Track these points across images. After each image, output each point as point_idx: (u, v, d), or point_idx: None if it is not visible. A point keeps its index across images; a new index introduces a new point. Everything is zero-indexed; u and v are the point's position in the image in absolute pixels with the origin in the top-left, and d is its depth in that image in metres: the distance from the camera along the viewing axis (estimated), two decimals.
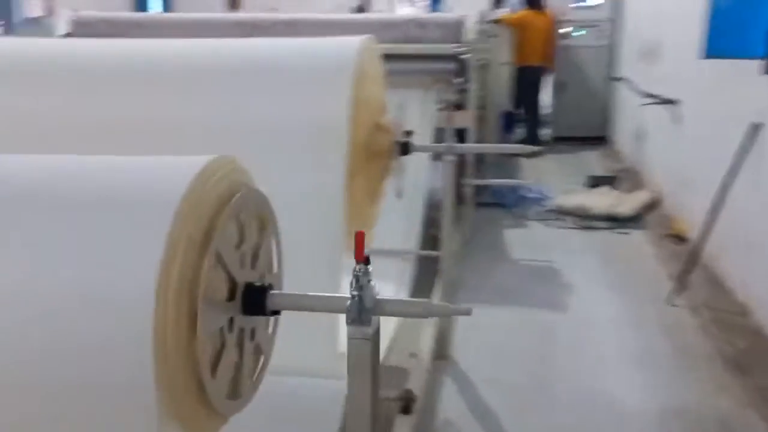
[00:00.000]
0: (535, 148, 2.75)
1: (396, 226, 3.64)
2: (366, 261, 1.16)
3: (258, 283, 1.23)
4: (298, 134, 2.13)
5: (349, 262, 2.57)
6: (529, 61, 6.50)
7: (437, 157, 4.17)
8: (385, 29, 3.77)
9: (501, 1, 7.59)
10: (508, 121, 7.53)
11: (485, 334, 3.03)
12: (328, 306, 1.21)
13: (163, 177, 1.13)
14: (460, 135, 4.09)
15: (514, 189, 5.11)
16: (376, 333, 1.21)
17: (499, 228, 4.53)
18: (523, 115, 6.87)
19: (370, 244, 2.71)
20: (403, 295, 3.34)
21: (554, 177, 5.94)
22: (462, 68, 3.71)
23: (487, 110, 4.85)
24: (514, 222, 4.67)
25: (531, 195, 5.15)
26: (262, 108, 2.14)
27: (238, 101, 2.16)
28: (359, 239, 1.12)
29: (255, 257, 1.28)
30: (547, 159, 6.68)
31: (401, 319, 3.20)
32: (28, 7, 15.96)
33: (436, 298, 3.32)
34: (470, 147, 2.58)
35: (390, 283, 3.42)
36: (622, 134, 6.69)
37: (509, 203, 4.94)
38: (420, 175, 3.77)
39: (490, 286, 3.55)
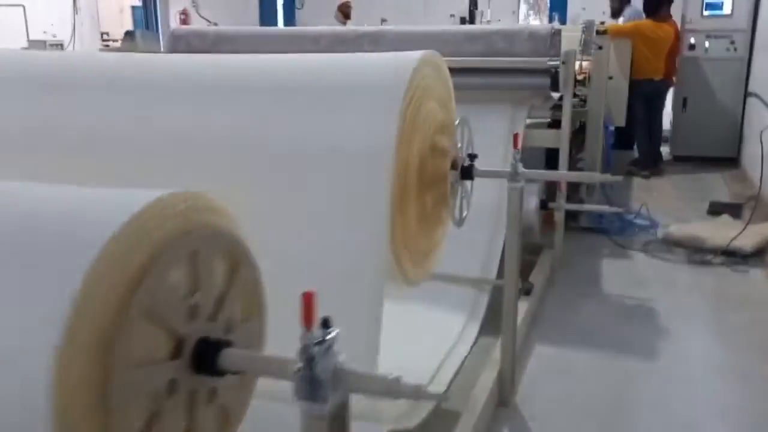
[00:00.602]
0: (613, 178, 2.42)
1: (475, 252, 3.40)
2: (324, 323, 0.96)
3: (214, 338, 1.08)
4: (341, 156, 1.97)
5: (398, 291, 2.38)
6: (647, 75, 5.98)
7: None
8: (469, 42, 3.55)
9: (620, 9, 7.09)
10: (622, 139, 7.01)
11: (558, 379, 2.71)
12: (279, 371, 1.02)
13: (96, 214, 0.99)
14: (552, 156, 3.78)
15: (618, 214, 4.67)
16: (341, 408, 1.00)
17: (596, 258, 4.13)
18: (640, 132, 6.32)
19: (435, 270, 2.52)
20: (474, 327, 3.09)
21: (669, 201, 5.39)
22: (555, 83, 3.41)
23: (589, 128, 4.46)
24: (614, 252, 4.25)
25: (638, 221, 4.69)
26: (305, 126, 2.01)
27: (279, 118, 2.04)
28: (307, 301, 0.93)
29: (219, 306, 1.12)
30: (664, 180, 6.13)
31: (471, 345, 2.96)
32: (166, 20, 16.93)
33: None
34: (537, 173, 2.30)
35: (462, 314, 3.18)
36: (754, 156, 5.97)
37: (611, 230, 4.52)
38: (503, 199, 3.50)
39: (573, 324, 3.21)
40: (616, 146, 7.32)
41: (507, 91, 3.69)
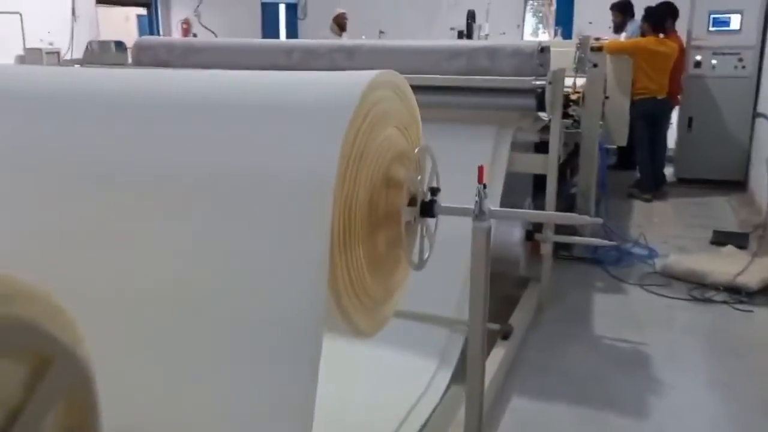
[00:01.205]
0: (592, 220, 2.12)
1: (450, 288, 3.10)
2: None
3: None
4: (274, 187, 1.71)
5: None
6: (649, 93, 5.68)
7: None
8: (450, 59, 3.27)
9: (623, 25, 6.81)
10: (624, 160, 6.71)
11: None
12: None
13: None
14: (541, 181, 3.48)
15: (612, 239, 4.36)
16: None
17: (588, 292, 3.82)
18: (641, 153, 6.01)
19: (404, 308, 2.24)
20: (446, 374, 2.79)
21: (670, 228, 5.07)
22: (542, 104, 3.12)
23: (583, 151, 4.16)
24: (609, 285, 3.93)
25: (635, 251, 4.38)
26: (234, 153, 1.75)
27: (204, 142, 1.78)
28: None
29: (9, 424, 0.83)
30: (666, 203, 5.81)
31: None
32: (168, 29, 16.69)
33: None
34: (508, 212, 2.00)
35: (433, 359, 2.88)
36: (763, 180, 5.65)
37: (606, 260, 4.20)
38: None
39: (557, 372, 2.90)
40: (617, 167, 7.05)
41: (491, 112, 3.41)
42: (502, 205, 3.32)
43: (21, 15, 12.05)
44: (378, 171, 1.94)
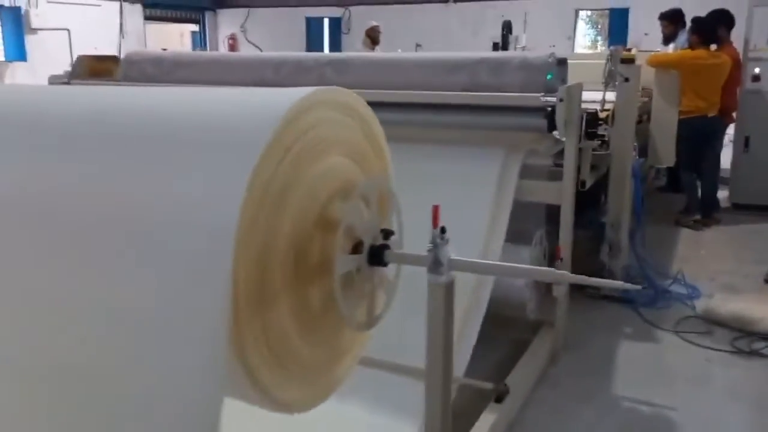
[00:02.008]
0: (580, 279, 1.69)
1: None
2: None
3: None
4: (166, 236, 1.39)
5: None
6: (698, 111, 5.12)
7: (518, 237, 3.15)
8: (449, 72, 2.89)
9: (674, 35, 6.25)
10: (674, 181, 6.14)
11: None
12: None
13: None
14: (553, 214, 3.04)
15: (649, 278, 3.86)
16: None
17: (613, 338, 3.33)
18: (687, 177, 5.45)
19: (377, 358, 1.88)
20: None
21: (719, 261, 4.51)
22: (553, 123, 2.70)
23: (613, 177, 3.69)
24: (639, 330, 3.44)
25: (674, 289, 3.86)
26: (126, 190, 1.44)
27: (94, 176, 1.49)
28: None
29: None
30: (717, 232, 5.23)
31: None
32: (215, 44, 16.80)
33: None
34: (469, 264, 1.58)
35: (411, 422, 2.46)
36: None
37: (639, 300, 3.70)
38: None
39: None
40: (667, 189, 6.46)
41: (499, 132, 3.00)
42: (509, 238, 2.92)
43: (69, 31, 12.28)
44: (310, 211, 1.58)
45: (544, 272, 1.61)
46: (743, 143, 5.75)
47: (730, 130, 5.87)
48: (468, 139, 3.02)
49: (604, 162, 3.72)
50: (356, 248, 1.67)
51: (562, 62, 2.91)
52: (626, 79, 3.47)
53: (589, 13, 15.89)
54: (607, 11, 14.09)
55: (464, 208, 2.93)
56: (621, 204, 3.69)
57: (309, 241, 1.57)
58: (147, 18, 14.98)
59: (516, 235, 3.05)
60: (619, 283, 2.90)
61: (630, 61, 3.50)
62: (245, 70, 3.30)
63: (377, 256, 1.67)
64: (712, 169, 5.39)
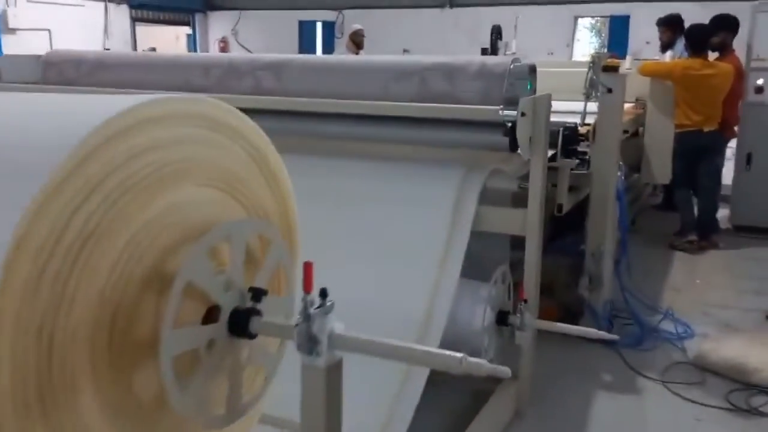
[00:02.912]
0: (483, 369, 1.25)
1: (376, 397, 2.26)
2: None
3: None
4: None
5: None
6: (693, 125, 4.68)
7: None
8: (398, 80, 2.46)
9: (671, 43, 5.82)
10: (670, 199, 5.70)
11: None
12: None
13: None
14: (519, 246, 2.60)
15: (635, 315, 3.42)
16: None
17: (589, 390, 2.89)
18: (681, 197, 5.02)
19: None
20: None
21: (716, 291, 4.07)
22: (515, 140, 2.28)
23: (593, 201, 3.26)
24: (620, 379, 3.00)
25: (663, 327, 3.42)
26: None
27: None
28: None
29: None
30: (716, 256, 4.79)
31: None
32: (206, 46, 16.40)
33: None
34: (355, 342, 1.16)
35: None
36: None
37: (622, 340, 3.26)
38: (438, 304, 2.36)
39: None
40: (664, 207, 6.02)
41: (456, 150, 2.58)
42: (467, 273, 2.49)
43: (50, 32, 11.90)
44: (138, 266, 1.16)
45: (449, 360, 1.17)
46: (745, 160, 5.31)
47: (733, 143, 5.43)
48: (420, 156, 2.60)
49: (586, 182, 3.29)
50: (210, 315, 1.24)
51: (531, 70, 2.49)
52: (609, 90, 3.04)
53: (592, 21, 15.50)
54: (607, 18, 13.68)
55: (412, 237, 2.51)
56: (602, 230, 3.25)
57: (134, 307, 1.15)
58: (135, 19, 14.61)
59: (476, 270, 2.63)
60: (591, 331, 2.50)
61: (613, 69, 3.07)
62: (170, 73, 2.88)
63: (239, 325, 1.24)
64: (710, 187, 4.94)
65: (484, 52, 6.87)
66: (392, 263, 2.46)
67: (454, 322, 2.44)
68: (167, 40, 15.57)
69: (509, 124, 2.24)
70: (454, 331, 2.43)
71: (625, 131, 3.41)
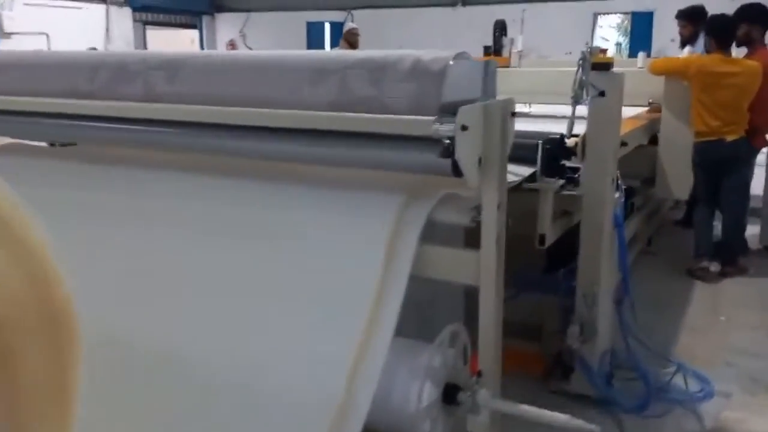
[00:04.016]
0: None
1: None
2: None
3: None
4: None
5: None
6: (713, 134, 4.00)
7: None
8: (315, 81, 1.88)
9: (693, 38, 5.15)
10: (690, 217, 5.02)
11: None
12: None
13: None
14: (472, 298, 1.99)
15: (639, 369, 2.78)
16: None
17: None
18: (699, 215, 4.34)
19: None
20: None
21: (743, 332, 3.39)
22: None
23: (584, 230, 2.63)
24: None
25: (674, 384, 2.78)
26: None
27: None
28: None
29: None
30: (745, 285, 4.11)
31: None
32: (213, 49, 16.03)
33: None
34: None
35: None
36: None
37: (623, 402, 2.63)
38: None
39: None
40: (686, 223, 5.33)
41: (392, 173, 1.99)
42: (409, 331, 1.91)
43: (48, 36, 11.57)
44: None
45: None
46: None
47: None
48: (346, 179, 2.02)
49: (577, 205, 2.68)
50: None
51: (487, 68, 1.89)
52: (601, 93, 2.41)
53: (618, 19, 14.74)
54: (629, 15, 12.95)
55: (331, 285, 1.93)
56: (596, 266, 2.63)
57: None
58: (144, 23, 14.27)
59: (423, 326, 2.05)
60: (561, 417, 1.88)
61: (605, 67, 2.45)
62: (56, 77, 2.34)
63: None
64: (736, 203, 4.26)
65: (486, 50, 6.26)
66: (303, 320, 1.88)
67: (386, 400, 1.85)
68: (182, 44, 15.23)
69: (447, 141, 1.64)
70: (385, 414, 1.84)
71: (624, 143, 2.76)
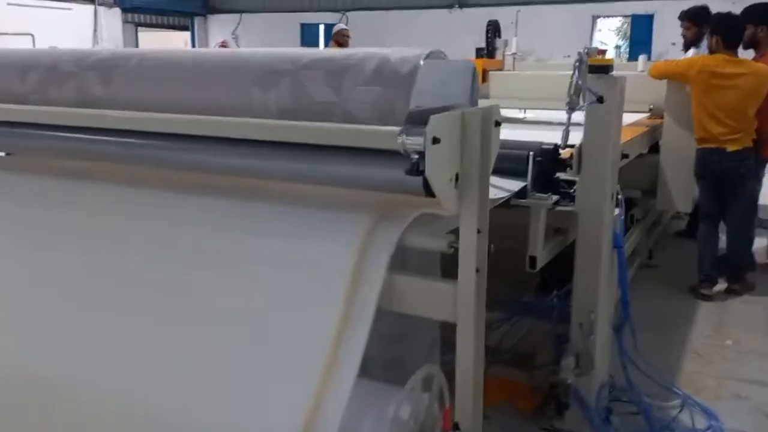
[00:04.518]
0: None
1: None
2: None
3: None
4: None
5: None
6: (714, 142, 3.73)
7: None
8: (264, 83, 1.62)
9: (696, 40, 4.90)
10: (695, 227, 4.75)
11: None
12: None
13: None
14: (449, 345, 1.73)
15: (640, 405, 2.52)
16: None
17: None
18: (703, 230, 4.06)
19: None
20: None
21: (752, 358, 3.13)
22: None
23: (579, 251, 2.37)
24: None
25: (680, 419, 2.51)
26: None
27: None
28: None
29: None
30: (752, 304, 3.85)
31: None
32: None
33: None
34: None
35: None
36: None
37: None
38: None
39: None
40: (689, 234, 5.05)
41: (357, 191, 1.73)
42: (376, 373, 1.65)
43: (33, 37, 11.30)
44: None
45: None
46: None
47: None
48: (306, 197, 1.75)
49: (573, 222, 2.41)
50: None
51: (465, 70, 1.63)
52: (599, 99, 2.14)
53: (618, 22, 14.51)
54: (629, 18, 12.71)
55: (284, 320, 1.67)
56: (594, 290, 2.36)
57: None
58: (135, 24, 14.00)
59: (393, 367, 1.79)
60: None
61: (603, 69, 2.19)
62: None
63: None
64: (741, 217, 3.98)
65: (479, 52, 5.98)
66: (252, 361, 1.62)
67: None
68: (179, 46, 14.97)
69: (415, 156, 1.38)
70: None
71: (625, 155, 2.51)
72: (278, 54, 1.65)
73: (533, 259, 2.23)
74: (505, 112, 4.20)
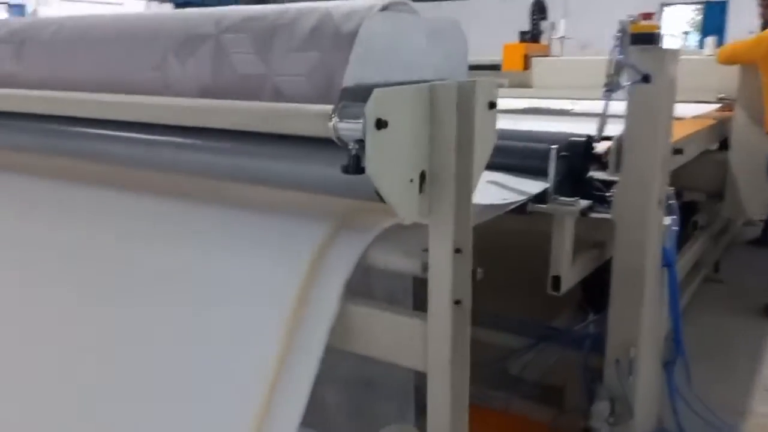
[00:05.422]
0: None
1: None
2: None
3: None
4: None
5: None
6: None
7: None
8: (183, 50, 1.24)
9: None
10: (765, 237, 4.16)
11: None
12: None
13: None
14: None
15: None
16: None
17: None
18: None
19: None
20: None
21: None
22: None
23: (616, 272, 1.89)
24: None
25: None
26: None
27: None
28: None
29: None
30: None
31: None
32: None
33: None
34: None
35: None
36: None
37: None
38: None
39: None
40: (763, 242, 4.45)
41: (311, 194, 1.34)
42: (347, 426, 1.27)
43: None
44: None
45: None
46: None
47: None
48: (243, 200, 1.37)
49: (610, 234, 1.94)
50: None
51: (441, 29, 1.21)
52: (645, 78, 1.67)
53: (690, 11, 13.63)
54: (702, 5, 11.85)
55: (211, 358, 1.29)
56: (634, 320, 1.88)
57: None
58: None
59: (358, 422, 1.40)
60: None
61: (648, 39, 1.71)
62: None
63: None
64: None
65: (523, 36, 5.47)
66: (169, 410, 1.26)
67: None
68: None
69: (353, 146, 0.97)
70: None
71: (677, 150, 2.00)
72: (196, 13, 1.26)
73: (557, 280, 1.78)
74: (550, 104, 3.73)
